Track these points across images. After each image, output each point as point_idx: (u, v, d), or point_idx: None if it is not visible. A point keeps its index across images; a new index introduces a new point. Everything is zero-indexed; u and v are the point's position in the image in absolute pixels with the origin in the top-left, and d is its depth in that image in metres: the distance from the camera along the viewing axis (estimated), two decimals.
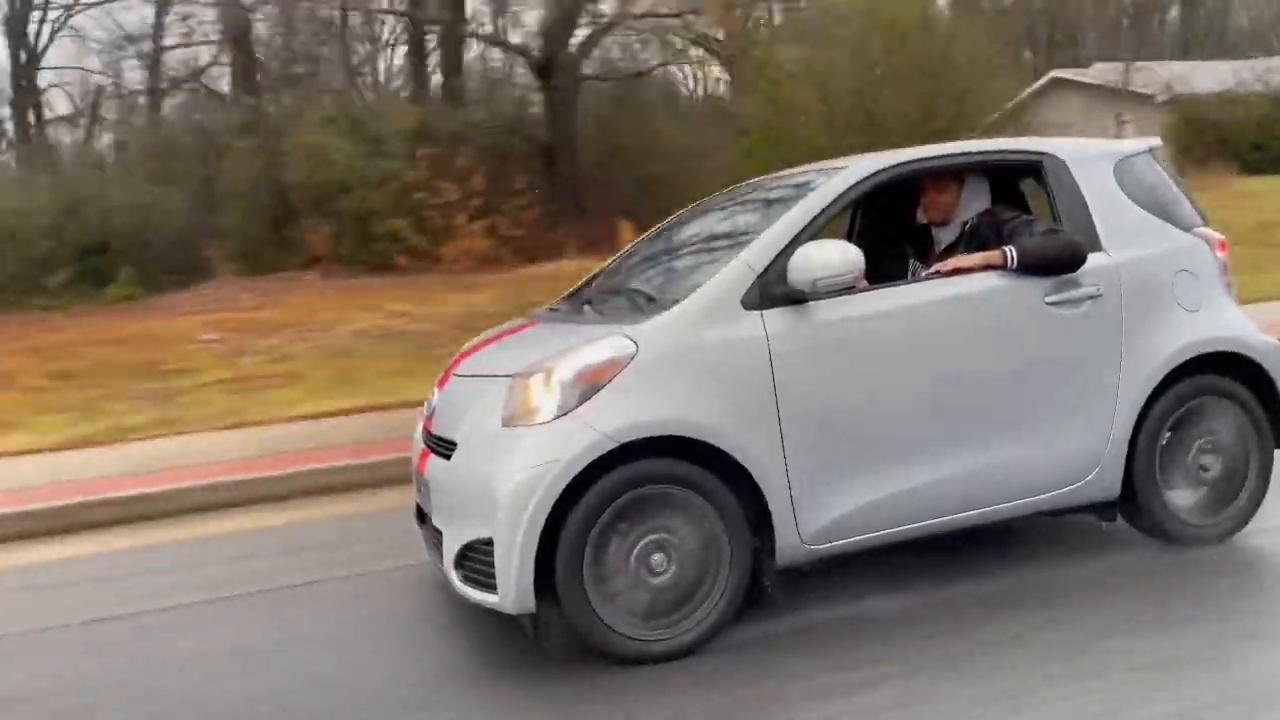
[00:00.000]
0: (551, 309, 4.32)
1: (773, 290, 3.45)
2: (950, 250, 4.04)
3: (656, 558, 3.32)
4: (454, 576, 3.42)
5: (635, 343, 3.34)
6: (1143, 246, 3.96)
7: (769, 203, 4.04)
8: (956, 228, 4.05)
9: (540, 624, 3.29)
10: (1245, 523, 4.08)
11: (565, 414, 3.26)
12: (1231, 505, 4.06)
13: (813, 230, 3.57)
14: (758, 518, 3.42)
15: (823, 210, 3.61)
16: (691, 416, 3.29)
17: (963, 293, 3.68)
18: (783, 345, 3.42)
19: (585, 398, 3.27)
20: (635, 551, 3.30)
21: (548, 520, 3.17)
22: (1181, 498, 3.99)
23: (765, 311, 3.44)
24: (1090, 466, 3.82)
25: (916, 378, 3.59)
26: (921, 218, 4.27)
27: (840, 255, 3.37)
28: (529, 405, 3.31)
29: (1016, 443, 3.72)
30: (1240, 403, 4.04)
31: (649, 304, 3.62)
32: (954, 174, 4.01)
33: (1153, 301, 3.92)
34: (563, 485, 3.17)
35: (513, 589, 3.17)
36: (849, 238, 4.70)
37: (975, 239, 3.95)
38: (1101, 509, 3.98)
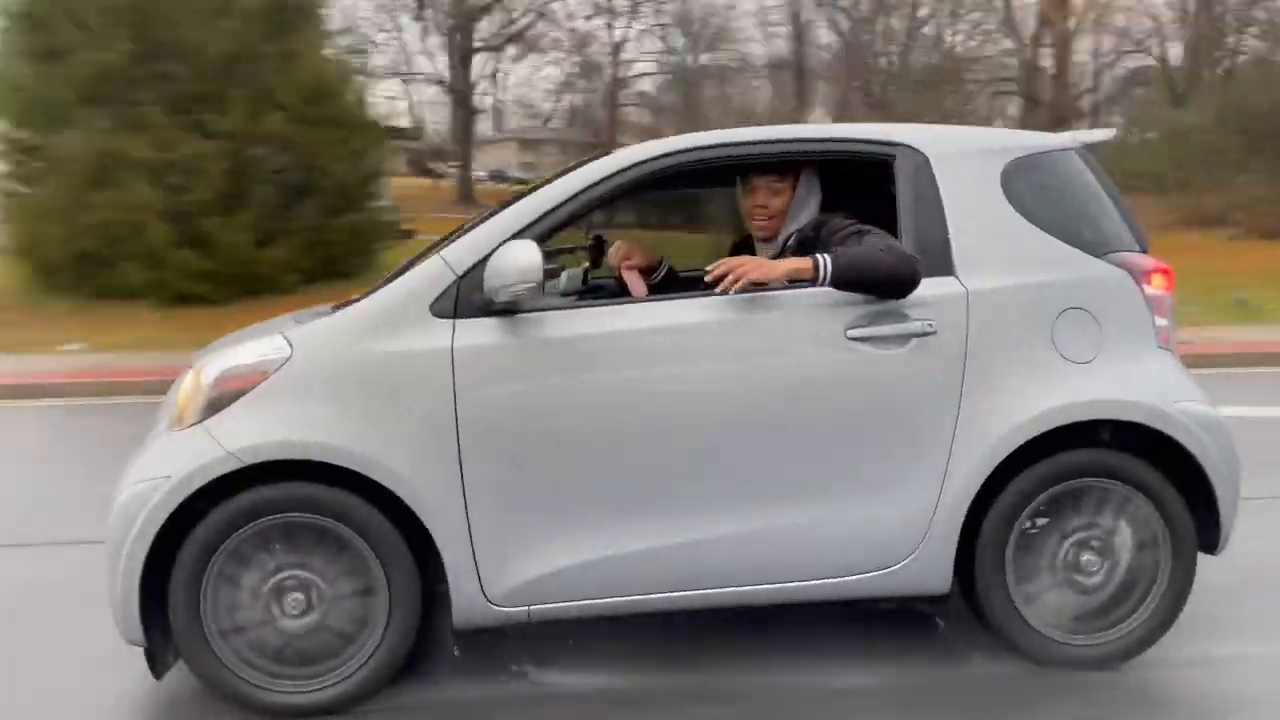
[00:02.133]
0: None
1: (473, 297, 2.85)
2: None
3: (294, 598, 2.83)
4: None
5: (291, 347, 2.84)
6: (1014, 273, 3.02)
7: None
8: (779, 243, 3.23)
9: (159, 659, 2.88)
10: (1142, 648, 3.08)
11: (198, 422, 2.82)
12: (1123, 624, 3.07)
13: (539, 229, 2.91)
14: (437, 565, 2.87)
15: (555, 206, 2.93)
16: (334, 438, 2.76)
17: (729, 318, 2.91)
18: (473, 364, 2.81)
19: (221, 405, 2.82)
20: (268, 589, 2.83)
21: (164, 542, 2.76)
22: (1046, 606, 3.05)
23: (460, 321, 2.84)
24: (904, 551, 2.97)
25: (654, 418, 2.87)
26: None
27: (519, 261, 2.71)
28: (178, 408, 2.90)
29: (795, 510, 2.93)
30: (1148, 491, 3.03)
31: None
32: (780, 170, 3.19)
33: (1017, 346, 2.99)
34: (172, 505, 2.73)
35: (120, 616, 2.78)
36: None
37: (798, 255, 3.13)
38: (936, 604, 3.13)
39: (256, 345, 2.88)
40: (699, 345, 2.89)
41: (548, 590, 2.88)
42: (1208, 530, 3.09)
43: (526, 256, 2.69)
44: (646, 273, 3.36)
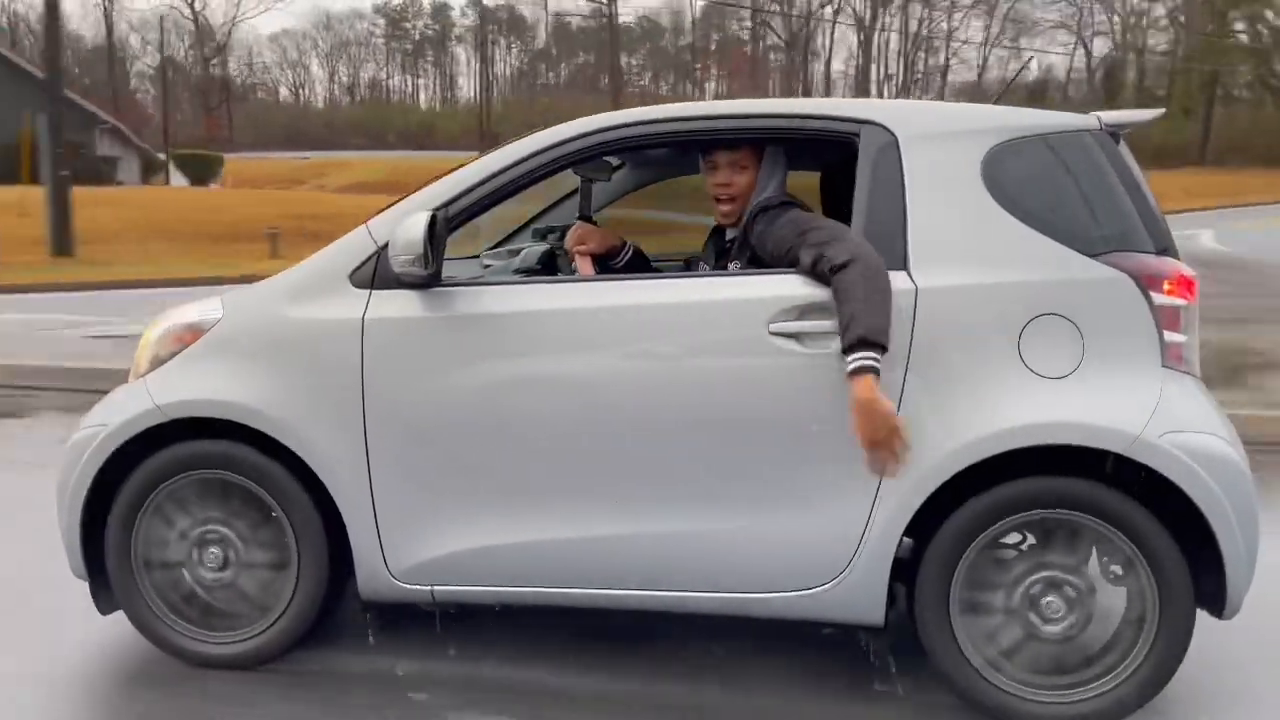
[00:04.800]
0: None
1: (390, 269, 2.82)
2: (725, 254, 3.01)
3: (213, 552, 2.93)
4: None
5: (223, 309, 2.94)
6: (978, 271, 2.65)
7: None
8: (740, 225, 2.98)
9: (105, 595, 3.05)
10: (1115, 716, 2.63)
11: (142, 375, 2.98)
12: (1094, 684, 2.64)
13: (460, 205, 2.82)
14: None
15: (477, 183, 2.83)
16: (247, 399, 2.82)
17: (645, 304, 2.73)
18: (384, 336, 2.79)
19: (162, 360, 2.95)
20: (192, 541, 2.94)
21: (101, 487, 2.92)
22: (996, 651, 2.67)
23: (375, 292, 2.82)
24: (828, 571, 2.69)
25: (564, 406, 2.73)
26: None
27: (406, 234, 2.64)
28: (136, 358, 3.07)
29: (711, 517, 2.71)
30: (1129, 531, 2.58)
31: None
32: (746, 147, 2.95)
33: (972, 354, 2.62)
34: (108, 451, 2.89)
35: (67, 552, 2.98)
36: None
37: (745, 245, 2.89)
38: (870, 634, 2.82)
39: (198, 305, 3.01)
40: (611, 331, 2.73)
41: (450, 572, 2.83)
42: (1216, 588, 2.59)
43: (412, 230, 2.63)
44: (610, 256, 3.21)
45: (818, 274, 2.61)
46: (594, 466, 2.74)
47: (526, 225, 3.98)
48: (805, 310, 2.63)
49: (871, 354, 2.47)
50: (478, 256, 3.67)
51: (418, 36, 73.91)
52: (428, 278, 2.71)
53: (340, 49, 72.48)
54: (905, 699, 2.83)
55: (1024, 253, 2.66)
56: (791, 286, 2.66)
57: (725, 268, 2.97)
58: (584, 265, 3.09)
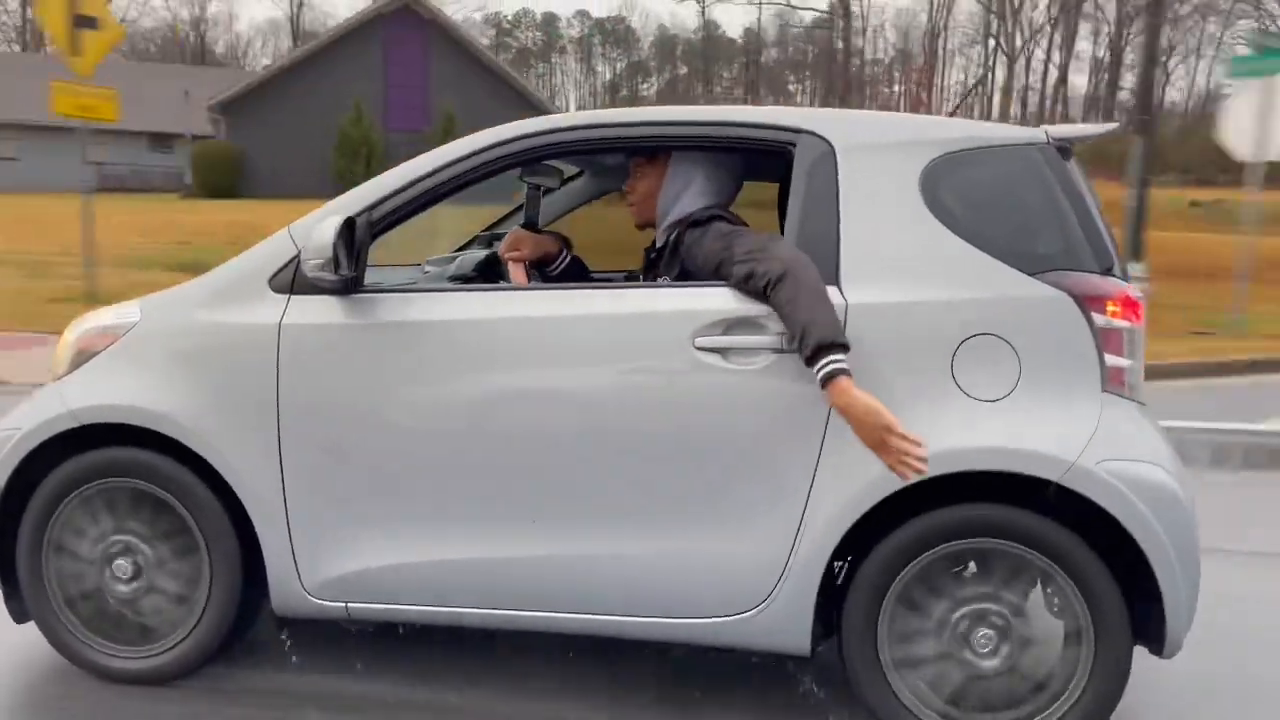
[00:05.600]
0: None
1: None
2: (654, 264, 2.92)
3: (121, 563, 2.85)
4: None
5: (140, 312, 2.86)
6: (912, 288, 2.54)
7: None
8: (662, 231, 2.90)
9: (16, 604, 2.96)
10: None
11: (58, 378, 2.90)
12: None
13: (381, 210, 2.72)
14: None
15: (397, 189, 2.73)
16: (159, 405, 2.73)
17: (568, 314, 2.63)
18: (301, 342, 2.70)
19: (78, 363, 2.88)
20: (102, 551, 2.86)
21: (16, 492, 2.84)
22: (924, 684, 2.55)
23: (295, 297, 2.74)
24: (752, 598, 2.58)
25: (481, 419, 2.64)
26: None
27: (318, 237, 2.55)
28: (55, 359, 3.00)
29: (631, 538, 2.60)
30: (1070, 568, 2.46)
31: None
32: (648, 156, 2.87)
33: (902, 374, 2.51)
34: (19, 457, 2.80)
35: None
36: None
37: (674, 256, 2.80)
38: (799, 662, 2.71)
39: (114, 308, 2.93)
40: (531, 342, 2.63)
41: (367, 588, 2.73)
42: (1156, 625, 2.47)
43: (324, 234, 2.54)
44: (546, 263, 3.12)
45: (751, 290, 2.51)
46: (513, 484, 2.64)
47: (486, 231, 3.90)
48: (732, 325, 2.53)
49: (835, 356, 2.35)
50: (419, 264, 3.59)
51: (529, 45, 74.07)
52: (343, 282, 2.62)
53: None
54: None
55: (960, 269, 2.55)
56: (718, 300, 2.56)
57: (655, 279, 2.88)
58: (516, 272, 2.99)
